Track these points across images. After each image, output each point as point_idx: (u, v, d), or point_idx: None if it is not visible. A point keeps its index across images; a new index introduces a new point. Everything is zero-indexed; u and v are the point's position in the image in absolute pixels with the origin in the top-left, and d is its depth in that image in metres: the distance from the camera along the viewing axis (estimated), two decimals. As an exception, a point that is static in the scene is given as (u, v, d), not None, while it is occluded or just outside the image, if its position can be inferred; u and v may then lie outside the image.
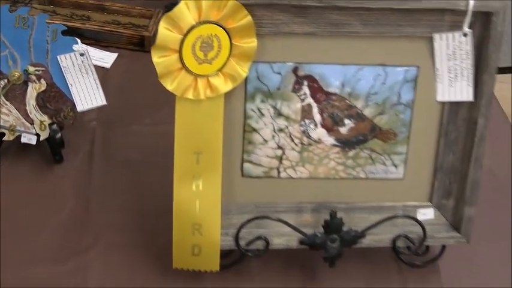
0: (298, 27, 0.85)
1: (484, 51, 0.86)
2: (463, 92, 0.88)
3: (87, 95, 1.03)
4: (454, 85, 0.88)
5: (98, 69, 1.24)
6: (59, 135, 1.07)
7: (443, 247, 0.97)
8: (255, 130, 0.90)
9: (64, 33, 1.01)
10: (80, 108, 1.04)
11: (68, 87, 1.03)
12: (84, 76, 1.02)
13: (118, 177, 1.08)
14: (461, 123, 0.91)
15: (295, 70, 0.88)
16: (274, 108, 0.89)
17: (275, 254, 0.95)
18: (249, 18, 0.82)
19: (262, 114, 0.89)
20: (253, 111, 0.89)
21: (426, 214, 0.94)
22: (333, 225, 0.91)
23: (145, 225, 1.01)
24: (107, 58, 1.27)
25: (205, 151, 0.88)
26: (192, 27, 0.82)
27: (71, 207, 1.04)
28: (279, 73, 0.88)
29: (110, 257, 0.98)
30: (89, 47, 1.27)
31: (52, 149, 1.08)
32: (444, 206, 0.95)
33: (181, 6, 0.80)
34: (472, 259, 1.00)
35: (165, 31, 0.81)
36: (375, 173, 0.93)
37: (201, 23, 0.82)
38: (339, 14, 0.84)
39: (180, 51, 0.82)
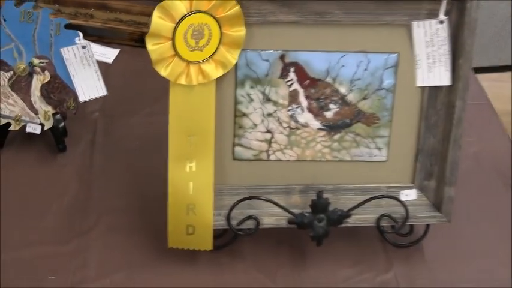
0: (284, 16, 0.90)
1: (460, 37, 0.91)
2: (441, 76, 0.93)
3: (89, 85, 1.09)
4: (433, 70, 0.93)
5: (101, 64, 1.30)
6: (62, 124, 1.13)
7: (427, 228, 1.02)
8: (245, 115, 0.95)
9: (67, 28, 1.07)
10: (81, 98, 1.10)
11: (71, 79, 1.09)
12: (86, 68, 1.08)
13: (118, 164, 1.14)
14: (440, 106, 0.95)
15: (282, 57, 0.93)
16: (263, 93, 0.94)
17: (266, 235, 1.00)
18: (238, 8, 0.88)
19: (252, 100, 0.95)
20: (243, 96, 0.94)
21: (409, 195, 0.99)
22: (319, 205, 0.96)
23: (144, 208, 1.06)
24: (109, 54, 1.33)
25: (198, 134, 0.93)
26: (184, 16, 0.87)
27: (73, 192, 1.09)
28: (267, 60, 0.93)
29: (109, 238, 1.03)
30: (92, 43, 1.33)
31: (56, 138, 1.14)
32: (426, 187, 0.99)
33: (173, -4, 0.86)
34: (455, 240, 1.04)
35: (158, 20, 0.87)
36: (359, 155, 0.98)
37: (192, 12, 0.87)
38: (321, 3, 0.89)
39: (172, 39, 0.88)
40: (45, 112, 1.11)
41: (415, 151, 0.98)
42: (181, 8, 0.87)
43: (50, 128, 1.12)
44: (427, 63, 0.93)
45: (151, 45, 0.88)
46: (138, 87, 1.28)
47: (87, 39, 1.22)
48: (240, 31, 0.89)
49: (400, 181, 1.00)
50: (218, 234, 0.99)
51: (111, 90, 1.15)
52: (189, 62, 0.89)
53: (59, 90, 1.10)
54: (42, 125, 1.12)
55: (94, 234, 1.03)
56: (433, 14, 0.90)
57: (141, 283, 0.97)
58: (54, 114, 1.11)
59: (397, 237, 1.01)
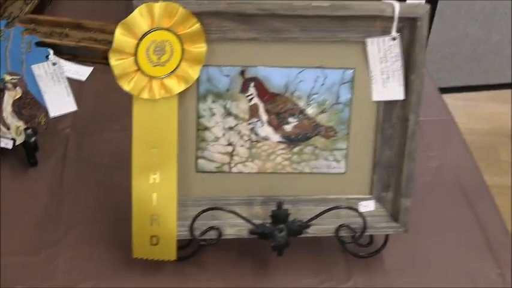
0: (243, 33, 0.94)
1: (412, 54, 0.95)
2: (395, 91, 0.97)
3: (59, 101, 1.12)
4: (387, 85, 0.97)
5: (74, 81, 1.33)
6: (33, 139, 1.16)
7: (387, 238, 1.05)
8: (207, 128, 0.99)
9: (41, 45, 1.11)
10: (52, 114, 1.13)
11: (42, 95, 1.12)
12: (56, 84, 1.11)
13: (89, 178, 1.16)
14: (395, 120, 0.99)
15: (242, 73, 0.96)
16: (224, 108, 0.98)
17: (229, 246, 1.03)
18: (198, 25, 0.91)
19: (214, 114, 0.98)
20: (205, 110, 0.98)
21: (367, 206, 1.02)
22: (279, 216, 0.99)
23: (113, 220, 1.09)
24: (82, 71, 1.35)
25: (161, 146, 0.96)
26: (146, 33, 0.91)
27: (44, 205, 1.12)
28: (228, 76, 0.96)
29: (78, 248, 1.05)
30: (66, 61, 1.36)
31: (27, 153, 1.17)
32: (384, 198, 1.03)
33: (135, 13, 0.90)
34: (414, 251, 1.07)
35: (121, 36, 0.91)
36: (318, 167, 1.01)
37: (154, 29, 0.91)
38: (279, 21, 0.93)
39: (135, 55, 0.92)
40: (17, 127, 1.14)
41: (372, 163, 1.02)
42: (144, 25, 0.90)
43: (21, 143, 1.15)
44: (381, 78, 0.96)
45: (114, 61, 0.91)
46: (110, 104, 1.30)
47: (61, 58, 1.26)
48: (201, 47, 0.93)
49: (358, 192, 1.03)
50: (183, 245, 1.02)
51: (83, 107, 1.18)
52: (151, 77, 0.93)
53: (30, 106, 1.13)
54: (14, 139, 1.15)
55: (63, 245, 1.06)
56: (386, 32, 0.94)
57: (108, 293, 1.00)
58: (25, 130, 1.14)
59: (357, 247, 1.04)
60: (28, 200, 1.13)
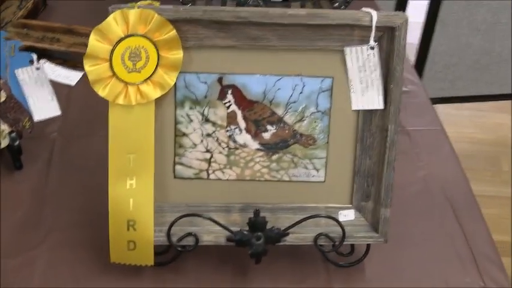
0: (220, 40, 0.93)
1: (391, 63, 0.94)
2: (374, 100, 0.96)
3: (43, 106, 1.13)
4: (366, 94, 0.96)
5: (64, 86, 1.35)
6: (17, 142, 1.16)
7: (368, 248, 1.04)
8: (185, 135, 0.98)
9: (32, 51, 1.12)
10: (36, 118, 1.13)
11: (26, 99, 1.12)
12: (40, 88, 1.12)
13: (73, 182, 1.17)
14: (375, 129, 0.98)
15: (219, 80, 0.96)
16: (202, 114, 0.97)
17: (210, 253, 1.02)
18: (174, 32, 0.91)
19: (191, 120, 0.98)
20: (183, 117, 0.97)
21: (347, 215, 1.01)
22: (257, 223, 0.98)
23: (95, 225, 1.08)
24: (72, 76, 1.37)
25: (138, 152, 0.96)
26: (121, 39, 0.91)
27: (27, 208, 1.12)
28: (205, 82, 0.96)
29: (58, 252, 1.05)
30: (57, 66, 1.37)
31: (12, 156, 1.17)
32: (363, 208, 1.02)
33: (109, 19, 0.90)
34: (396, 261, 1.06)
35: (95, 42, 0.91)
36: (297, 176, 1.01)
37: (128, 35, 0.91)
38: (256, 29, 0.92)
39: (110, 61, 0.91)
40: (1, 131, 1.14)
41: (352, 172, 1.01)
42: (118, 31, 0.90)
43: (6, 146, 1.15)
44: (360, 87, 0.96)
45: (88, 66, 0.91)
46: (98, 109, 1.29)
47: (53, 62, 1.26)
48: (177, 54, 0.93)
49: (338, 201, 1.02)
50: (162, 250, 1.02)
51: (71, 111, 1.18)
52: (127, 83, 0.93)
53: (14, 109, 1.13)
54: (-2, 143, 1.15)
55: (43, 249, 1.06)
56: (364, 41, 0.93)
57: (85, 297, 1.00)
58: (9, 133, 1.15)
59: (338, 256, 1.03)
60: (12, 203, 1.13)
